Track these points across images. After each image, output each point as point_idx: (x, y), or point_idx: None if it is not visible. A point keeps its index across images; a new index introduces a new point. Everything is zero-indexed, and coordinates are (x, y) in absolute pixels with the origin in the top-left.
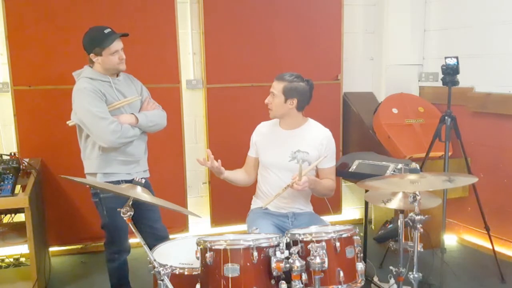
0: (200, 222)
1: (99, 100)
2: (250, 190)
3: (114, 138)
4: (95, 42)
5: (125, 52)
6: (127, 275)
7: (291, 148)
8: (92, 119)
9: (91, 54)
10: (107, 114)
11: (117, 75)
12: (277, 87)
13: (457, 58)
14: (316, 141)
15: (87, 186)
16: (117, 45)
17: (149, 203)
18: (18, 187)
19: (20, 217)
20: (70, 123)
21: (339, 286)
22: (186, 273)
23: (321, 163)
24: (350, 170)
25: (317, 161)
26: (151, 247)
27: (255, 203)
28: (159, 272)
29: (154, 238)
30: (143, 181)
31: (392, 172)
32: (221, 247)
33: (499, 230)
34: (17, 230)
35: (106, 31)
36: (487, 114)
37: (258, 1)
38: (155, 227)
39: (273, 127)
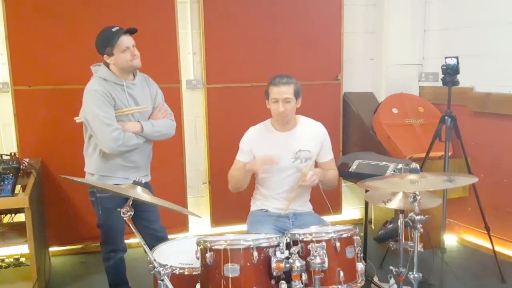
0: (200, 222)
1: (107, 104)
2: (250, 190)
3: (114, 146)
4: (105, 42)
5: None
6: (124, 274)
7: (292, 149)
8: (96, 123)
9: (104, 56)
10: (112, 120)
11: (134, 77)
12: (289, 91)
13: (457, 58)
14: (314, 137)
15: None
16: (126, 41)
17: (149, 203)
18: (18, 187)
19: (20, 217)
20: (77, 119)
21: (339, 286)
22: (186, 273)
23: (321, 157)
24: (350, 170)
25: (314, 158)
26: (149, 247)
27: (255, 205)
28: (159, 272)
29: (152, 239)
30: (143, 181)
31: (392, 172)
32: (221, 247)
33: (499, 230)
34: (17, 230)
35: (113, 29)
36: (487, 114)
37: (258, 1)
38: (153, 228)
39: (267, 131)
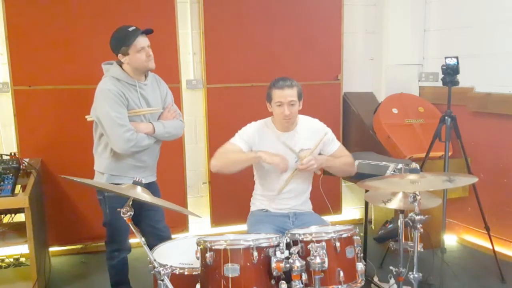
0: (200, 222)
1: (120, 104)
2: (250, 190)
3: (127, 147)
4: (120, 41)
5: None
6: (127, 274)
7: (294, 148)
8: (110, 123)
9: (119, 55)
10: (125, 120)
11: (145, 78)
12: (293, 94)
13: (457, 58)
14: (314, 135)
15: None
16: (142, 41)
17: (149, 203)
18: (18, 187)
19: (20, 217)
20: (88, 118)
21: (339, 286)
22: (186, 273)
23: (327, 150)
24: None
25: (315, 146)
26: (152, 247)
27: (255, 205)
28: (159, 272)
29: (156, 238)
30: (143, 181)
31: (392, 172)
32: (221, 247)
33: (499, 230)
34: (17, 230)
35: (130, 29)
36: (487, 114)
37: (258, 1)
38: (157, 227)
39: (269, 130)
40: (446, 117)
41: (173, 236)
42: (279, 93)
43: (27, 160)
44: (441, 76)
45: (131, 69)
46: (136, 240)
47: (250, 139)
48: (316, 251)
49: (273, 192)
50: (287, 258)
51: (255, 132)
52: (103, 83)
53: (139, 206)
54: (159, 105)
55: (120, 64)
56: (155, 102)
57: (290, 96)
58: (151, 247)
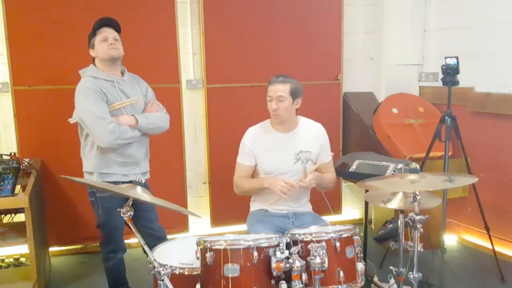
0: (200, 222)
1: (99, 99)
2: None
3: (111, 139)
4: (90, 35)
5: (125, 52)
6: (124, 274)
7: (293, 151)
8: (91, 118)
9: (90, 50)
10: (106, 114)
11: (122, 74)
12: (284, 89)
13: (457, 58)
14: (314, 138)
15: (86, 185)
16: (105, 31)
17: (149, 203)
18: (18, 187)
19: (20, 217)
20: (71, 120)
21: (339, 286)
22: (186, 273)
23: (320, 158)
24: (350, 170)
25: (320, 162)
26: (149, 247)
27: (254, 206)
28: (159, 272)
29: (151, 239)
30: (143, 180)
31: (392, 172)
32: (221, 247)
33: (499, 230)
34: (17, 230)
35: (95, 23)
36: (487, 114)
37: (258, 1)
38: (152, 228)
39: (267, 132)
40: (446, 117)
41: (173, 236)
42: (270, 88)
43: (27, 160)
44: (441, 76)
45: (100, 62)
46: (134, 240)
47: (251, 151)
48: (316, 251)
49: (272, 194)
50: (287, 258)
51: (252, 142)
52: (80, 83)
53: (133, 207)
54: (139, 97)
55: (94, 63)
56: (134, 96)
57: (280, 91)
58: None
